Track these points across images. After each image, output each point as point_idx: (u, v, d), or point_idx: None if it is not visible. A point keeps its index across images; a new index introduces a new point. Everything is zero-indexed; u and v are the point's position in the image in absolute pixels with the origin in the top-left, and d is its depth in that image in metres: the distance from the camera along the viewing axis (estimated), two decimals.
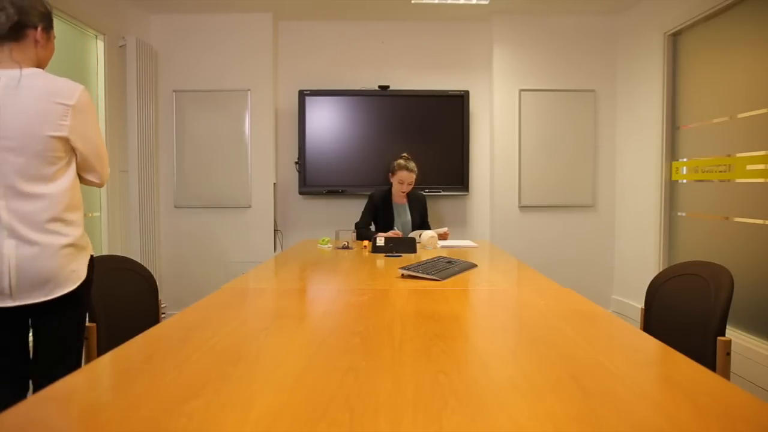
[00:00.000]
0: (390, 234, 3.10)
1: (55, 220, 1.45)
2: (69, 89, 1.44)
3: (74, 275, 1.51)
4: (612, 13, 4.09)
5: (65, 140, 1.44)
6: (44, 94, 1.40)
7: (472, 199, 4.35)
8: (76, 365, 1.58)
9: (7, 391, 1.53)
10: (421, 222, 3.44)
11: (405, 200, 3.43)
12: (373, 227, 3.36)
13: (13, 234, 1.39)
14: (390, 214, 3.35)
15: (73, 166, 1.52)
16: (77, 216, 1.53)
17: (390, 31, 4.27)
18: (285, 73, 4.29)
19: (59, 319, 1.52)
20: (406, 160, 3.32)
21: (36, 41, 1.48)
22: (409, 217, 3.40)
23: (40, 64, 1.52)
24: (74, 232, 1.51)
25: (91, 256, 1.61)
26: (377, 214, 3.35)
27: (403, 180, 3.30)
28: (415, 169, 3.31)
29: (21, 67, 1.41)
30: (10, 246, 1.39)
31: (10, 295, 1.41)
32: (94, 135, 1.52)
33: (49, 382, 0.88)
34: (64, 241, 1.47)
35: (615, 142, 4.20)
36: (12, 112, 1.37)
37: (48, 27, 1.53)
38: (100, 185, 1.65)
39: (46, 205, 1.43)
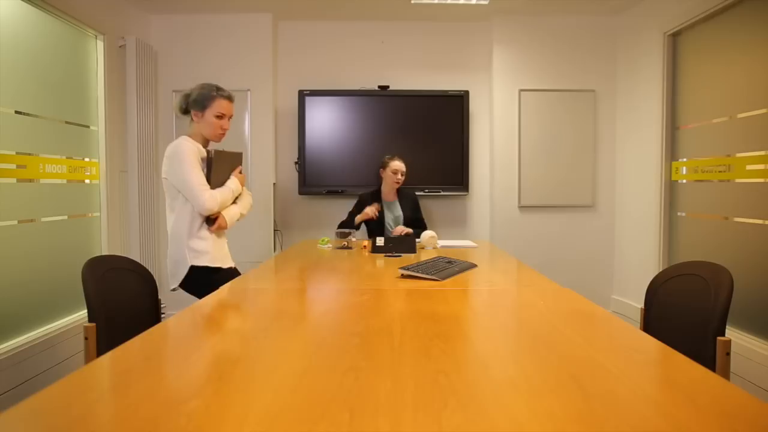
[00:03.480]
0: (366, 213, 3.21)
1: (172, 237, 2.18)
2: (170, 146, 2.12)
3: (173, 279, 2.18)
4: (612, 13, 4.08)
5: (167, 180, 2.13)
6: (165, 152, 2.15)
7: (471, 199, 4.35)
8: None
9: None
10: (414, 217, 3.49)
11: (395, 197, 3.47)
12: (364, 228, 3.37)
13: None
14: (381, 213, 3.38)
15: (180, 198, 2.12)
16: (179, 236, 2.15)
17: (390, 31, 4.27)
18: (285, 73, 4.28)
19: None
20: (391, 155, 3.45)
21: (194, 120, 2.20)
22: (400, 212, 3.45)
23: (202, 131, 2.20)
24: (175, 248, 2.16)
25: (193, 267, 2.15)
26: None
27: (397, 169, 3.39)
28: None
29: (179, 136, 2.19)
30: None
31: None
32: (180, 174, 2.07)
33: None
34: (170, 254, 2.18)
35: (615, 142, 4.20)
36: None
37: (199, 108, 2.17)
38: (202, 213, 2.12)
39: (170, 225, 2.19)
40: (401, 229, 3.20)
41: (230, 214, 2.21)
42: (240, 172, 2.31)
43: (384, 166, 3.44)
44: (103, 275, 1.76)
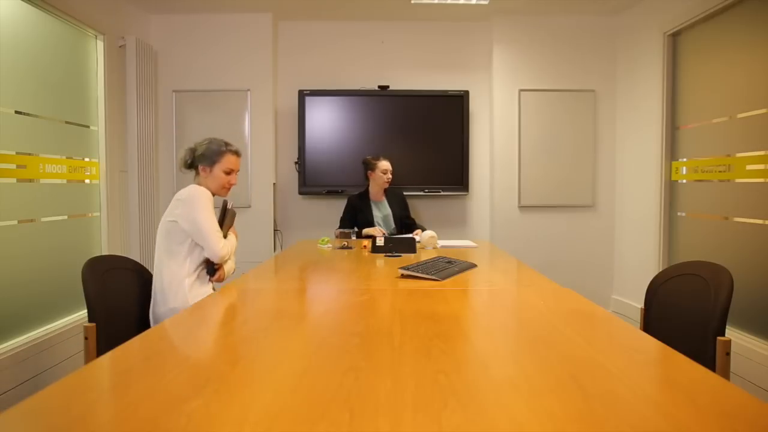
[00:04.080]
0: (375, 230, 3.26)
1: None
2: (185, 191, 2.04)
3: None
4: (612, 13, 4.08)
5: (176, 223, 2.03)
6: (176, 196, 2.07)
7: (472, 199, 4.35)
8: None
9: None
10: (403, 215, 3.53)
11: (383, 196, 3.50)
12: (355, 229, 3.40)
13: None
14: (369, 212, 3.42)
15: (188, 243, 2.02)
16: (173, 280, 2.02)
17: (390, 31, 4.27)
18: (285, 73, 4.28)
19: None
20: (375, 155, 3.51)
21: (201, 174, 2.15)
22: (389, 210, 3.49)
23: (209, 186, 2.13)
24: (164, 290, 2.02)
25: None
26: (357, 214, 3.43)
27: (387, 168, 3.44)
28: None
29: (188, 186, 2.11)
30: None
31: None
32: (197, 219, 2.00)
33: None
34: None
35: (615, 142, 4.20)
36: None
37: (208, 163, 2.14)
38: (214, 260, 2.05)
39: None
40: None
41: (227, 268, 2.17)
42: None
43: (372, 167, 3.46)
44: (103, 275, 1.76)
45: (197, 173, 2.17)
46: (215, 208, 2.14)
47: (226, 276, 2.16)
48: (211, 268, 2.10)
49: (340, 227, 3.43)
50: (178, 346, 1.18)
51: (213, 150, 2.14)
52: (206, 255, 2.04)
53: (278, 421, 0.74)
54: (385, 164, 3.44)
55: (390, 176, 3.45)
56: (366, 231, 3.28)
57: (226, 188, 2.19)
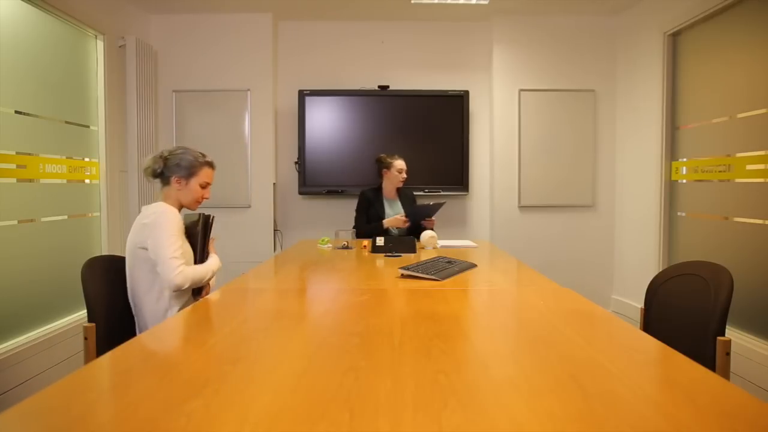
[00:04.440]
0: (397, 219, 3.28)
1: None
2: (150, 214, 1.87)
3: None
4: (612, 13, 4.08)
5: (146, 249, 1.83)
6: (140, 218, 1.89)
7: (471, 199, 4.35)
8: None
9: None
10: None
11: (396, 195, 3.52)
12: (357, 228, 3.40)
13: None
14: (381, 207, 3.43)
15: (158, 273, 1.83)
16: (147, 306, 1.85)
17: (390, 31, 4.27)
18: (285, 73, 4.28)
19: None
20: (390, 154, 3.49)
21: (175, 186, 1.98)
22: (400, 209, 3.49)
23: (181, 198, 2.00)
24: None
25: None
26: (369, 210, 3.41)
27: (402, 167, 3.43)
28: None
29: (152, 203, 1.95)
30: None
31: None
32: (157, 243, 1.81)
33: None
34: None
35: (615, 142, 4.20)
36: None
37: (185, 175, 1.97)
38: (170, 287, 1.81)
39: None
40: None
41: (213, 285, 2.03)
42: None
43: (388, 166, 3.44)
44: (103, 275, 1.76)
45: (167, 184, 1.99)
46: (196, 222, 2.00)
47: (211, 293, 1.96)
48: (198, 289, 1.94)
49: (356, 222, 3.44)
50: (178, 346, 1.18)
51: (189, 161, 1.98)
52: (163, 281, 1.82)
53: (278, 421, 0.74)
54: (400, 163, 3.44)
55: (405, 175, 3.45)
56: (387, 222, 3.29)
57: (199, 202, 2.05)
